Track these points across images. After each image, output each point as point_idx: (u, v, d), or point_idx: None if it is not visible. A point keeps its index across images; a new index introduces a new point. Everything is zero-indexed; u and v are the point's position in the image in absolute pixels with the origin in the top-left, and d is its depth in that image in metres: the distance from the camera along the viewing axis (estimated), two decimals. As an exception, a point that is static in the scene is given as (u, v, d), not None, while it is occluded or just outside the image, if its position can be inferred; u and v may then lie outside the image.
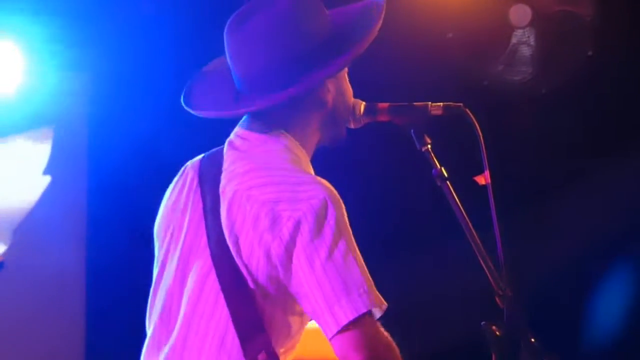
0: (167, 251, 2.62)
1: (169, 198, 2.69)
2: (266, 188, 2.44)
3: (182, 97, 2.68)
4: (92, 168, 5.76)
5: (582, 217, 5.06)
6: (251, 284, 2.43)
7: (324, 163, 2.71)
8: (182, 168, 2.73)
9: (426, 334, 4.62)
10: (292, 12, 2.54)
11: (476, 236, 2.60)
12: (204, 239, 2.52)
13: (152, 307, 2.63)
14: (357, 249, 2.42)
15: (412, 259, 4.95)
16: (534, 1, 5.20)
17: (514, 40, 5.25)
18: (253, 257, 2.43)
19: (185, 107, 2.67)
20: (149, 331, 2.62)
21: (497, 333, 2.48)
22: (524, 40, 5.22)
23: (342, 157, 2.78)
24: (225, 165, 2.58)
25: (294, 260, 2.39)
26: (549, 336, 2.49)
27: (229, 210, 2.47)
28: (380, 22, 2.61)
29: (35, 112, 5.39)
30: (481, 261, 2.57)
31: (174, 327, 2.53)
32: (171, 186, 2.73)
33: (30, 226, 5.54)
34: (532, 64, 5.21)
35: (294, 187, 2.43)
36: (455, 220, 2.61)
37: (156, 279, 2.65)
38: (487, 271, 2.56)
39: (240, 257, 2.44)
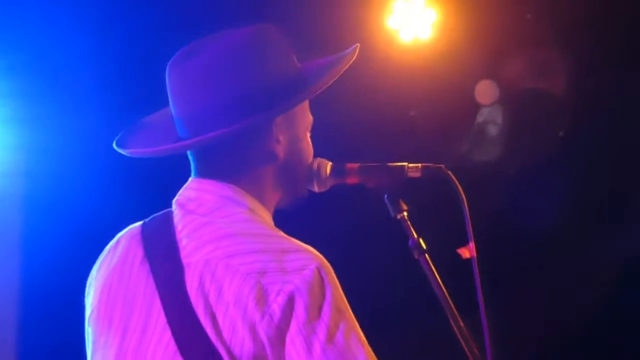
0: (110, 340, 2.35)
1: (104, 277, 2.43)
2: (248, 257, 2.20)
3: (115, 140, 2.47)
4: (26, 252, 5.46)
5: (563, 296, 4.97)
6: None
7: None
8: (115, 239, 2.49)
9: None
10: (239, 52, 2.35)
11: (458, 317, 2.39)
12: (162, 318, 2.26)
13: None
14: (357, 324, 2.21)
15: (389, 340, 4.67)
16: (501, 78, 5.00)
17: (479, 119, 5.04)
18: (236, 337, 2.17)
19: (117, 149, 2.46)
20: None
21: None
22: (490, 119, 5.01)
23: (305, 222, 2.49)
24: (184, 232, 2.34)
25: (288, 343, 2.16)
26: None
27: (201, 283, 2.23)
28: (336, 72, 2.41)
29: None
30: (464, 346, 2.36)
31: None
32: (102, 261, 2.48)
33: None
34: (499, 144, 4.98)
35: (280, 255, 2.21)
36: (435, 297, 2.40)
37: None
38: (471, 358, 2.35)
39: (220, 337, 2.18)
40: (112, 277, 2.40)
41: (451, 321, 2.37)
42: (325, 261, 2.23)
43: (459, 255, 2.41)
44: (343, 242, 4.89)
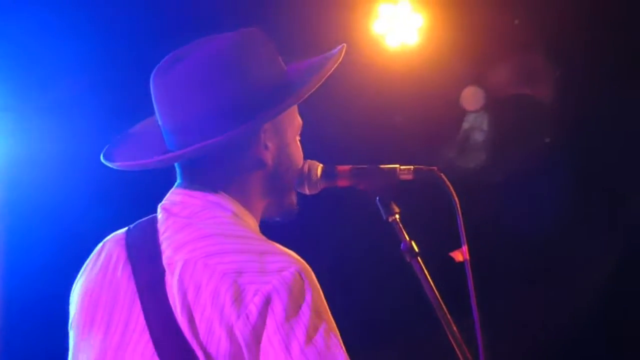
0: (92, 341, 2.35)
1: (87, 282, 2.43)
2: (227, 256, 2.19)
3: (102, 153, 2.44)
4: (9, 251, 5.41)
5: (557, 299, 4.98)
6: None
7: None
8: (100, 245, 2.48)
9: None
10: (224, 60, 2.32)
11: (450, 320, 2.38)
12: (141, 321, 2.25)
13: None
14: (337, 330, 2.18)
15: (381, 344, 4.68)
16: (487, 84, 4.98)
17: (465, 125, 5.03)
18: (213, 337, 2.16)
19: (105, 162, 2.44)
20: None
21: None
22: (476, 125, 4.99)
23: (295, 225, 2.48)
24: (165, 234, 2.32)
25: (265, 343, 2.13)
26: None
27: (180, 283, 2.21)
28: (323, 75, 2.38)
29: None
30: (457, 350, 2.36)
31: None
32: (85, 267, 2.46)
33: None
34: (485, 151, 4.96)
35: (259, 256, 2.19)
36: (427, 301, 2.39)
37: None
38: (463, 363, 2.35)
39: (196, 337, 2.17)
40: (95, 280, 2.40)
41: (444, 325, 2.35)
42: (307, 266, 2.21)
43: (451, 259, 2.40)
44: (334, 246, 4.89)
